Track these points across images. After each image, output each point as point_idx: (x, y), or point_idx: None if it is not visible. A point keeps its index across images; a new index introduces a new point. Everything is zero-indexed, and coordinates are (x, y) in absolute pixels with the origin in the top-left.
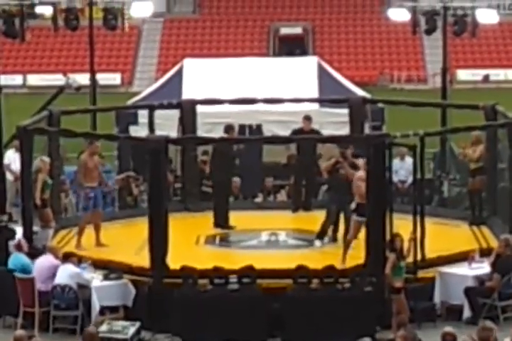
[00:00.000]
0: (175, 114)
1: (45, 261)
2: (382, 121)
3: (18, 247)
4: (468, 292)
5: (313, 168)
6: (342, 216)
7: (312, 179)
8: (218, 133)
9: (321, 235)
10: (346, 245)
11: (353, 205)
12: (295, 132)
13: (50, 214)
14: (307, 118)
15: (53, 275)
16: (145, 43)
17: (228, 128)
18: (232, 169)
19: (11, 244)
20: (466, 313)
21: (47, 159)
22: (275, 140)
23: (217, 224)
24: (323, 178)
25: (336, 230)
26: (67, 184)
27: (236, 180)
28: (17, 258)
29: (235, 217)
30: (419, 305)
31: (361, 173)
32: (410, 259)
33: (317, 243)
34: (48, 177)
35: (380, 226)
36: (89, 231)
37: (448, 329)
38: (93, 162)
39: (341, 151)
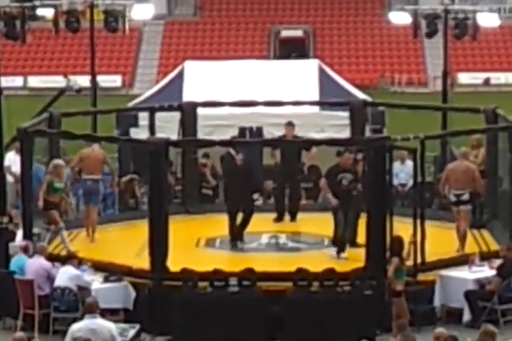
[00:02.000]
0: (175, 116)
1: (37, 264)
2: (382, 124)
3: (25, 249)
4: (468, 295)
5: (297, 176)
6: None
7: (297, 187)
8: (219, 135)
9: (341, 246)
10: (463, 236)
11: (466, 196)
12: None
13: (55, 216)
14: (290, 124)
15: (48, 277)
16: (146, 46)
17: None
18: (249, 185)
19: (12, 245)
20: (466, 317)
21: (60, 162)
22: (275, 143)
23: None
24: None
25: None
26: (68, 186)
27: None
28: (20, 260)
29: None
30: (419, 309)
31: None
32: (410, 262)
33: (342, 255)
34: (57, 180)
35: (380, 230)
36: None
37: (441, 330)
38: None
39: (353, 160)
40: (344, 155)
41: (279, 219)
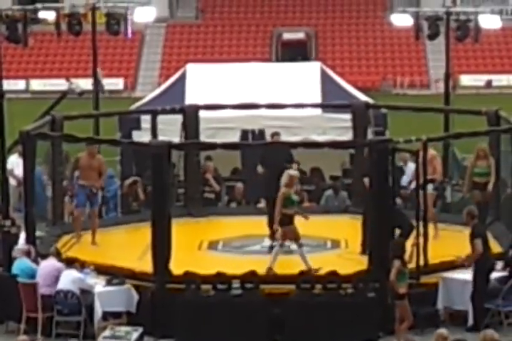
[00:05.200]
0: (178, 119)
1: (49, 264)
2: (385, 126)
3: (27, 253)
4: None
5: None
6: None
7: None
8: (221, 138)
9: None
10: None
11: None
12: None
13: (294, 230)
14: (276, 134)
15: (57, 278)
16: (148, 48)
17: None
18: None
19: (16, 248)
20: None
21: (295, 173)
22: (278, 145)
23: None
24: (326, 184)
25: None
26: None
27: (239, 185)
28: (23, 263)
29: (238, 223)
30: (422, 311)
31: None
32: (413, 265)
33: None
34: (292, 191)
35: (383, 232)
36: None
37: (442, 331)
38: (88, 162)
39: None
40: None
41: (272, 236)
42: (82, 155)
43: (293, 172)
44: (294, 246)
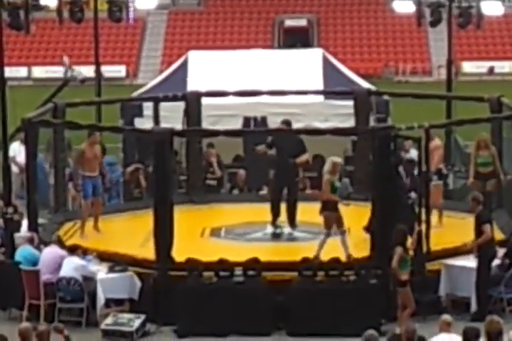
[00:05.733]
0: (180, 106)
1: (52, 251)
2: (387, 113)
3: (30, 240)
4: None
5: (295, 178)
6: None
7: (294, 191)
8: (223, 125)
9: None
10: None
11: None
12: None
13: (338, 217)
14: (286, 123)
15: (60, 266)
16: (150, 35)
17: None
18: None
19: (18, 236)
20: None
21: (339, 159)
22: (280, 132)
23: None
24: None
25: None
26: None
27: (241, 172)
28: (26, 250)
29: (241, 210)
30: (425, 298)
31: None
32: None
33: None
34: (336, 179)
35: (385, 219)
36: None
37: (446, 317)
38: (92, 152)
39: None
40: None
41: (274, 222)
42: (84, 147)
43: (336, 159)
44: (296, 234)
